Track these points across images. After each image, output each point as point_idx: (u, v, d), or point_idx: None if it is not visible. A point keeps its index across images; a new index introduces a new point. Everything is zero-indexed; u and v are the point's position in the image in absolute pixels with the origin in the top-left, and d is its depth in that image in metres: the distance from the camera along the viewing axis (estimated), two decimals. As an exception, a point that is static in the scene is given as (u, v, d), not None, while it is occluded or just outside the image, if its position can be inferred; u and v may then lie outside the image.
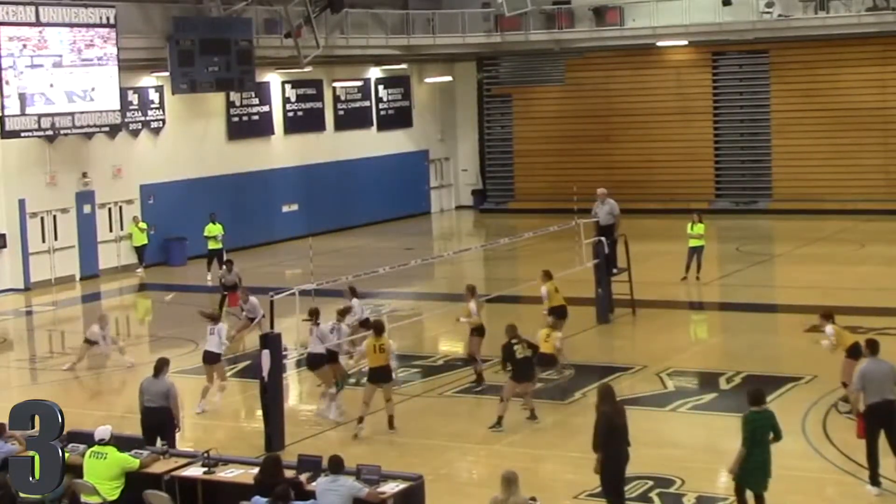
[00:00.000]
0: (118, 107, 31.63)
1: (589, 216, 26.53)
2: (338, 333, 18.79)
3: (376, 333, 17.45)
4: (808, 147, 40.81)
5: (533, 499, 11.78)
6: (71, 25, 29.95)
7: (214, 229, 32.19)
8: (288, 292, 19.29)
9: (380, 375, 17.35)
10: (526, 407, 17.87)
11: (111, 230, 34.14)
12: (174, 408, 15.59)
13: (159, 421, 15.44)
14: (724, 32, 38.76)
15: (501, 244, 30.39)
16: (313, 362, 18.57)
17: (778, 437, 12.99)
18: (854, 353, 17.16)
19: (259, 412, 17.51)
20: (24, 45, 28.97)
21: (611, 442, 13.16)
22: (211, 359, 19.34)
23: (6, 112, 28.67)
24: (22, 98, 29.00)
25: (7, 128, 28.95)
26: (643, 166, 42.46)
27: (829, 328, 17.52)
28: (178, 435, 15.84)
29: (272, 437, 16.81)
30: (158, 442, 14.97)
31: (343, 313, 19.51)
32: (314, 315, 18.60)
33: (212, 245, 32.17)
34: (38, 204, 32.13)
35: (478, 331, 19.97)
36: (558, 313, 21.20)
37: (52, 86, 29.63)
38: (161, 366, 15.76)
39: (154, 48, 32.53)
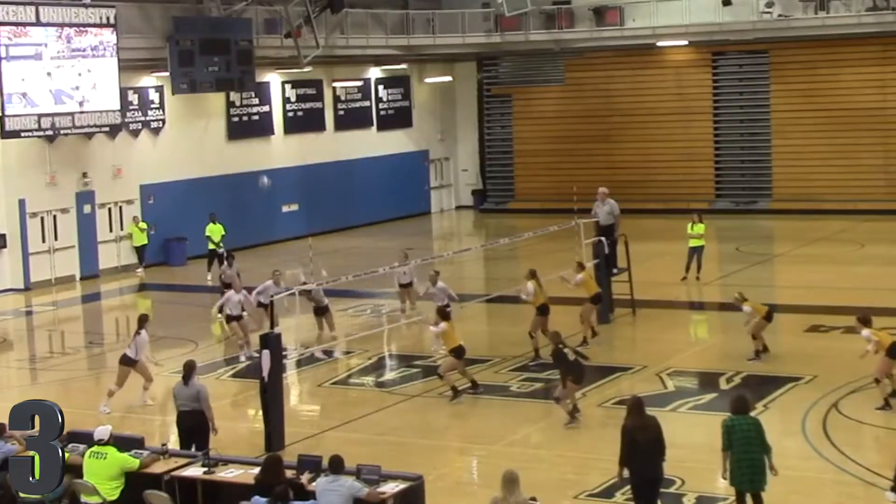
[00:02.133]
0: (118, 107, 31.63)
1: (589, 216, 26.54)
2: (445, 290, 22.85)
3: (448, 319, 19.60)
4: (808, 147, 40.80)
5: (533, 499, 11.76)
6: (71, 25, 29.96)
7: (215, 230, 32.17)
8: (288, 292, 19.30)
9: (462, 351, 19.50)
10: (571, 402, 18.00)
11: (111, 230, 34.12)
12: (207, 410, 15.62)
13: (193, 424, 15.54)
14: (724, 32, 38.73)
15: (501, 244, 30.38)
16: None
17: (764, 447, 12.87)
18: (894, 352, 17.32)
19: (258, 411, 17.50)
20: (24, 45, 28.95)
21: (632, 457, 12.96)
22: None
23: (6, 112, 28.66)
24: (21, 98, 28.99)
25: (7, 128, 28.93)
26: (643, 166, 42.45)
27: (865, 332, 17.58)
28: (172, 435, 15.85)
29: (272, 437, 16.81)
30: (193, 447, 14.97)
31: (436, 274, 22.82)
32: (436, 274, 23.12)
33: (212, 245, 32.15)
34: (38, 204, 32.12)
35: (540, 310, 21.64)
36: (596, 300, 22.74)
37: (51, 85, 29.61)
38: (188, 370, 15.78)
39: (154, 48, 32.51)
